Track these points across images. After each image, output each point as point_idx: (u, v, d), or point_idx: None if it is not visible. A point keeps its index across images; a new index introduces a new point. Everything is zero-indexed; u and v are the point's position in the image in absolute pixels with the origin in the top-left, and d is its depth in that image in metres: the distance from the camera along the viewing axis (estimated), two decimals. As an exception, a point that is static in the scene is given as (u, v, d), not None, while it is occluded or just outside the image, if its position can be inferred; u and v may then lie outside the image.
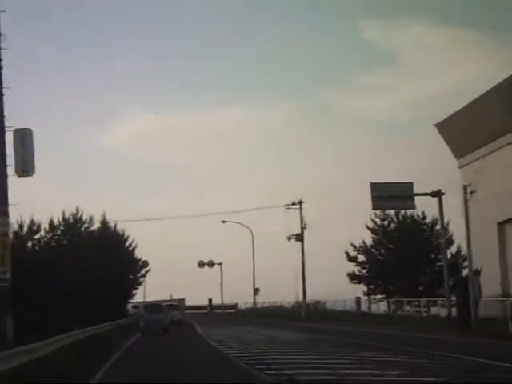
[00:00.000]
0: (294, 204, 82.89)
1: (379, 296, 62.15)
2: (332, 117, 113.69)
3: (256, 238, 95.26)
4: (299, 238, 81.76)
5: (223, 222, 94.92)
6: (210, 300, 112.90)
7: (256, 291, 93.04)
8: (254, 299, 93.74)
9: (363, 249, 62.55)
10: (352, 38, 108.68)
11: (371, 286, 62.08)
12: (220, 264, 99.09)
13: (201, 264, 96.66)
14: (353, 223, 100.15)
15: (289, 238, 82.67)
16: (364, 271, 63.08)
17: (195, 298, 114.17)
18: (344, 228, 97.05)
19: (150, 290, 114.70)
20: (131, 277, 68.61)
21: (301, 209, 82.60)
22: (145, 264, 70.73)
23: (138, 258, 69.31)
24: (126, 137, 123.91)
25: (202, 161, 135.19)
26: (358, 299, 65.30)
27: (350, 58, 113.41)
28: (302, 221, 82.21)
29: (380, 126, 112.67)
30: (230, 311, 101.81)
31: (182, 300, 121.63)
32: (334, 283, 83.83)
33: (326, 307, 73.49)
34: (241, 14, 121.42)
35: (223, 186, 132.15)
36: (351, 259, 62.99)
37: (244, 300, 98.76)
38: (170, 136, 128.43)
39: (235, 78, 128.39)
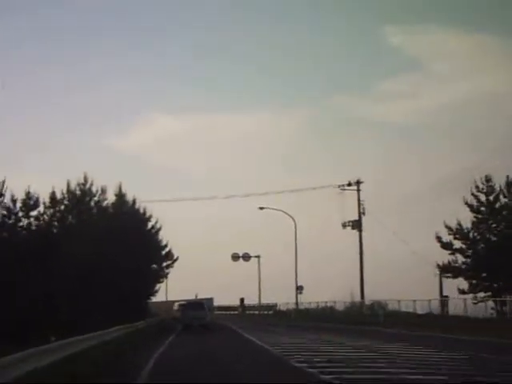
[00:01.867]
0: (350, 185, 69.12)
1: (482, 294, 47.76)
2: (355, 123, 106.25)
3: (300, 227, 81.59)
4: (356, 225, 67.95)
5: (261, 208, 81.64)
6: (242, 300, 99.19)
7: (299, 289, 79.27)
8: (297, 299, 79.86)
9: (461, 233, 47.93)
10: (376, 44, 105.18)
11: (473, 281, 47.57)
12: (257, 257, 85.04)
13: (235, 257, 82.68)
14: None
15: (344, 225, 69.06)
16: (458, 261, 48.74)
17: (225, 296, 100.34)
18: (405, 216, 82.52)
19: (172, 288, 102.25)
20: (154, 266, 54.89)
21: (358, 190, 68.83)
22: (170, 256, 57.20)
23: (163, 243, 55.72)
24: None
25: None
26: (444, 299, 51.07)
27: (374, 64, 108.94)
28: (359, 204, 68.56)
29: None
30: (266, 312, 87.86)
31: (210, 300, 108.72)
32: (394, 280, 69.98)
33: (394, 309, 59.62)
34: (261, 18, 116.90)
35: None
36: (445, 246, 48.61)
37: (283, 300, 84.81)
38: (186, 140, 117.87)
39: (266, 82, 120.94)
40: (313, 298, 76.77)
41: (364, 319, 52.44)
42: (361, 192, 68.75)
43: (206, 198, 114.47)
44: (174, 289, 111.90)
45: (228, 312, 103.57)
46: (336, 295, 70.30)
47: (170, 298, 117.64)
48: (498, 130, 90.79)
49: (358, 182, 68.44)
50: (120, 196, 47.13)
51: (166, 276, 59.40)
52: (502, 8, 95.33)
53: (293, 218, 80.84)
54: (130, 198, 48.40)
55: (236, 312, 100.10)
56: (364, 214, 67.94)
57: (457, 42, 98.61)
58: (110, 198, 45.93)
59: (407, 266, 69.89)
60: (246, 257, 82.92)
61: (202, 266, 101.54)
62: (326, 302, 71.30)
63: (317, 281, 79.73)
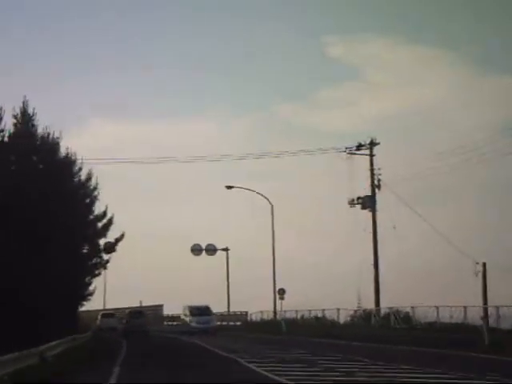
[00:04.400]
0: (360, 147, 50.79)
1: None
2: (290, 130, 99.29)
3: (280, 211, 63.24)
4: (367, 202, 49.72)
5: (228, 187, 62.99)
6: (200, 307, 79.71)
7: (280, 294, 60.66)
8: (275, 306, 61.04)
9: None
10: (314, 54, 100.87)
11: None
12: (225, 250, 65.54)
13: (196, 250, 63.19)
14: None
15: (352, 203, 50.70)
16: None
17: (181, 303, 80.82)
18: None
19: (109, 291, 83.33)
20: (84, 251, 35.27)
21: (371, 155, 50.57)
22: (108, 228, 37.39)
23: (101, 210, 35.98)
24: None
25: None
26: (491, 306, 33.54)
27: (312, 73, 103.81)
28: (372, 174, 50.23)
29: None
30: (233, 324, 68.79)
31: (159, 308, 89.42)
32: (418, 281, 51.98)
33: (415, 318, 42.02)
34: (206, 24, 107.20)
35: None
36: None
37: (258, 307, 65.64)
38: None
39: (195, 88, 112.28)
40: (303, 304, 58.04)
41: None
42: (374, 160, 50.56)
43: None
44: (110, 293, 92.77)
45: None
46: (337, 301, 52.10)
47: (108, 306, 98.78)
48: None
49: (372, 144, 50.22)
50: (23, 119, 27.15)
51: (104, 265, 39.47)
52: (440, 20, 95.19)
53: (269, 201, 62.28)
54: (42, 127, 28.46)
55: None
56: (379, 187, 49.78)
57: (395, 53, 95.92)
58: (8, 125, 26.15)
59: (437, 261, 52.22)
60: (211, 250, 63.53)
61: (151, 263, 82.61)
62: (324, 310, 52.58)
63: (310, 282, 61.36)
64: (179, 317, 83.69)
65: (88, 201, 33.49)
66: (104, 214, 35.41)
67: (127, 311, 56.15)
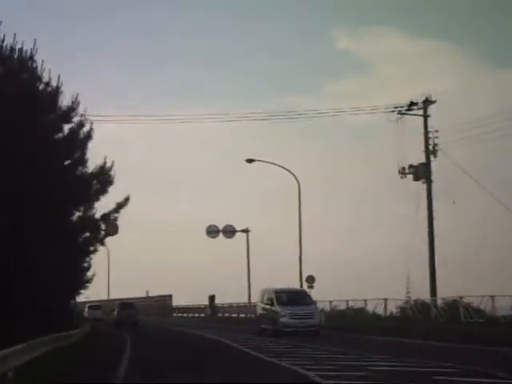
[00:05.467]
0: (411, 106, 42.35)
1: None
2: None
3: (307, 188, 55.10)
4: (421, 171, 41.46)
5: (249, 161, 54.96)
6: (212, 297, 71.63)
7: (309, 281, 52.48)
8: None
9: None
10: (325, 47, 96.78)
11: None
12: (245, 232, 57.16)
13: (212, 232, 54.81)
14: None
15: (402, 173, 42.44)
16: None
17: (194, 292, 73.35)
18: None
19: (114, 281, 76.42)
20: (73, 217, 26.72)
21: (426, 116, 42.18)
22: (105, 188, 28.30)
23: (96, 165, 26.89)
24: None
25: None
26: None
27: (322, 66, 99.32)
28: (427, 138, 41.81)
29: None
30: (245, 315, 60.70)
31: (167, 298, 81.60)
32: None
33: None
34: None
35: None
36: None
37: None
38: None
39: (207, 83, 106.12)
40: (335, 294, 49.86)
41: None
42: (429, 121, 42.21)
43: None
44: (115, 282, 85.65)
45: (192, 314, 76.59)
46: (376, 290, 44.12)
47: (112, 296, 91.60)
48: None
49: (427, 102, 41.84)
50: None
51: (101, 240, 30.75)
52: (450, 14, 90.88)
53: (295, 176, 54.04)
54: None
55: (203, 314, 73.15)
56: (434, 153, 41.50)
57: (406, 46, 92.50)
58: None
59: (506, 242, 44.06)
60: (229, 231, 55.19)
61: (160, 247, 75.10)
62: (366, 301, 44.27)
63: (349, 268, 53.33)
64: (192, 307, 76.47)
65: (78, 154, 24.68)
66: (101, 169, 26.64)
67: (117, 303, 55.95)
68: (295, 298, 34.27)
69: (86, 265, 43.59)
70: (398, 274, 42.04)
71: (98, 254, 33.92)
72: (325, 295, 52.39)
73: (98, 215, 28.92)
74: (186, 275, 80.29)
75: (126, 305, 53.23)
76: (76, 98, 22.44)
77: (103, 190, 26.96)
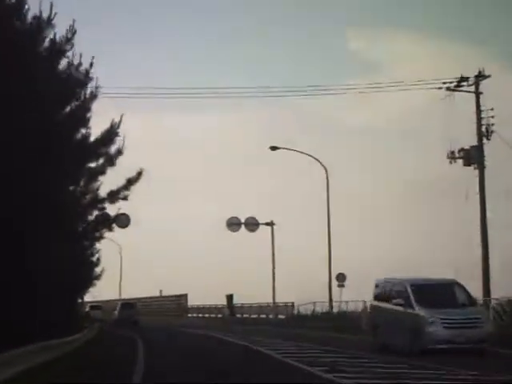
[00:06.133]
0: (461, 82, 37.39)
1: None
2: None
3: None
4: (473, 155, 36.54)
5: (273, 148, 50.43)
6: (230, 297, 66.98)
7: (339, 280, 47.72)
8: (330, 294, 48.08)
9: None
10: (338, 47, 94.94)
11: None
12: (270, 225, 52.19)
13: (233, 224, 49.94)
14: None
15: (452, 157, 37.50)
16: None
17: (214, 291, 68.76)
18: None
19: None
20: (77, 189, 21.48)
21: (478, 92, 37.21)
22: (129, 183, 23.48)
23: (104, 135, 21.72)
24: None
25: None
26: None
27: (336, 66, 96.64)
28: (479, 118, 36.81)
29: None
30: (270, 316, 55.79)
31: (183, 297, 77.15)
32: None
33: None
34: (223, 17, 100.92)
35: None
36: None
37: (307, 297, 52.24)
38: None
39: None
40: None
41: None
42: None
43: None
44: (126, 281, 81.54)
45: (208, 315, 72.05)
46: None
47: (124, 296, 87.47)
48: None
49: (479, 77, 36.87)
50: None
51: (109, 224, 25.38)
52: (463, 15, 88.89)
53: (323, 165, 49.39)
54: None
55: (220, 315, 68.55)
56: (488, 136, 36.55)
57: (418, 47, 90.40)
58: None
59: None
60: (252, 224, 50.35)
61: (175, 242, 70.85)
62: None
63: (376, 267, 48.43)
64: (209, 308, 71.78)
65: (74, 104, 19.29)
66: (110, 132, 21.29)
67: (119, 303, 57.71)
68: (446, 296, 22.16)
69: (93, 259, 39.27)
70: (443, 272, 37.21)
71: (109, 250, 29.42)
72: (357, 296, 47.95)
73: (103, 194, 23.87)
74: (203, 273, 75.68)
75: (127, 305, 55.76)
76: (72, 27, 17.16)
77: (110, 162, 22.00)
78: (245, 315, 63.05)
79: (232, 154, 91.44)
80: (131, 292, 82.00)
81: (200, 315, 73.83)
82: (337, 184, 59.92)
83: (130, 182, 23.23)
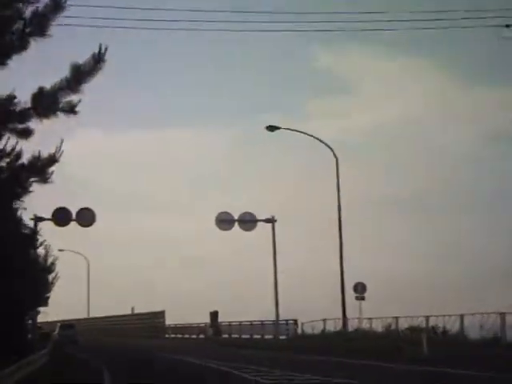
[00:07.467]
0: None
1: None
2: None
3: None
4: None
5: (271, 128, 41.02)
6: (215, 314, 56.90)
7: (358, 291, 37.88)
8: (344, 310, 38.18)
9: None
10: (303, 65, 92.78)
11: None
12: (271, 221, 40.98)
13: (224, 222, 39.05)
14: None
15: None
16: None
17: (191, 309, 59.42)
18: None
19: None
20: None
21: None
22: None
23: None
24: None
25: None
26: None
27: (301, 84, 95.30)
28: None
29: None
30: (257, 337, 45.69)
31: (159, 315, 67.00)
32: None
33: None
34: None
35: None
36: None
37: (314, 314, 42.18)
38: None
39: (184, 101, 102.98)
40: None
41: None
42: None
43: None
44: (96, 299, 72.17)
45: (188, 335, 61.95)
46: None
47: (93, 315, 78.03)
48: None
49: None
50: None
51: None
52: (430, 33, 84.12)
53: (332, 150, 39.83)
54: None
55: (202, 335, 58.65)
56: None
57: (384, 65, 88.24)
58: None
59: None
60: (248, 221, 39.62)
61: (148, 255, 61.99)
62: (462, 316, 29.42)
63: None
64: (189, 327, 61.31)
65: None
66: None
67: (59, 324, 56.87)
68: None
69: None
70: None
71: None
72: (376, 311, 38.38)
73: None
74: (181, 288, 66.38)
75: (66, 326, 56.42)
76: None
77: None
78: (233, 335, 53.29)
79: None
80: (99, 311, 73.69)
81: (178, 335, 63.74)
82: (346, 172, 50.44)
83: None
